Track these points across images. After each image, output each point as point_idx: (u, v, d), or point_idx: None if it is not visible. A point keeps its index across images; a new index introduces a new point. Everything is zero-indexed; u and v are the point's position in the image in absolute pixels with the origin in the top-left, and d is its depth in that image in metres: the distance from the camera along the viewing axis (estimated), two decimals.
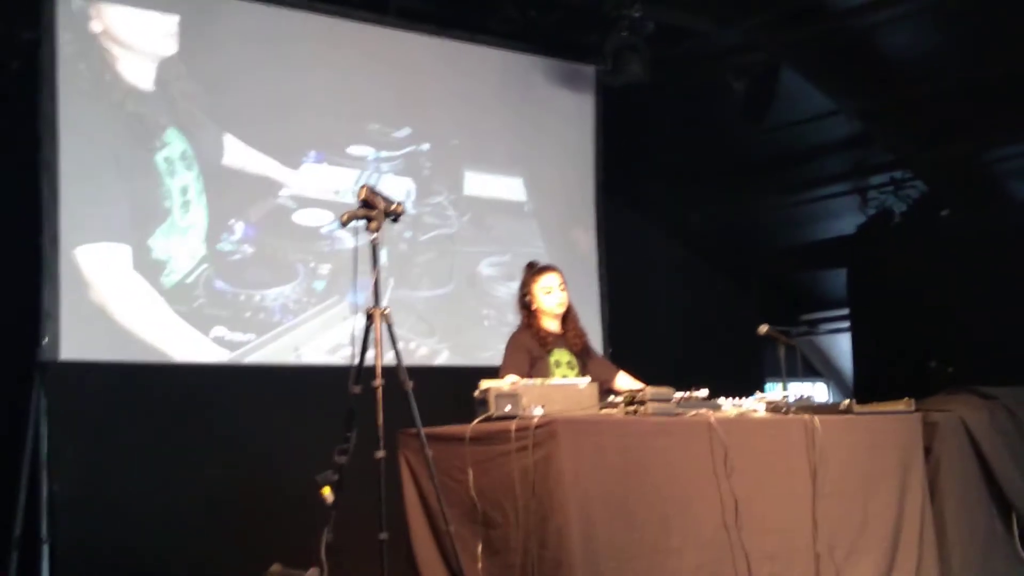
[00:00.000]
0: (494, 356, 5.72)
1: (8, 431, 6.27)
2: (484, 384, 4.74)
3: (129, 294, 6.68)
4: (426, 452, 4.69)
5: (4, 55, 6.62)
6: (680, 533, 4.69)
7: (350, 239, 4.96)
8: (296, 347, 7.28)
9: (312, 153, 7.50)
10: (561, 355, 5.60)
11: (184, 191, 6.94)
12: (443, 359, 7.89)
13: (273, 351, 7.18)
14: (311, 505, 4.75)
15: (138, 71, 6.87)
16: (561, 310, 5.65)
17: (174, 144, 6.96)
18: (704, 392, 5.07)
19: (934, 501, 5.78)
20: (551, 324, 5.62)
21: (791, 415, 5.29)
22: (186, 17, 7.05)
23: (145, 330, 6.72)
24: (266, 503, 6.51)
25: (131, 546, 6.27)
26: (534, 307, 5.60)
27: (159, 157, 6.89)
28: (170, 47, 6.99)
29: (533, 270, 5.68)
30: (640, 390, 4.98)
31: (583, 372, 5.54)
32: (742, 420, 5.13)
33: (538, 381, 4.90)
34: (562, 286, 5.64)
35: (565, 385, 4.89)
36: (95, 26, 6.73)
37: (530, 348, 5.51)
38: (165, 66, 6.97)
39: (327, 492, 4.72)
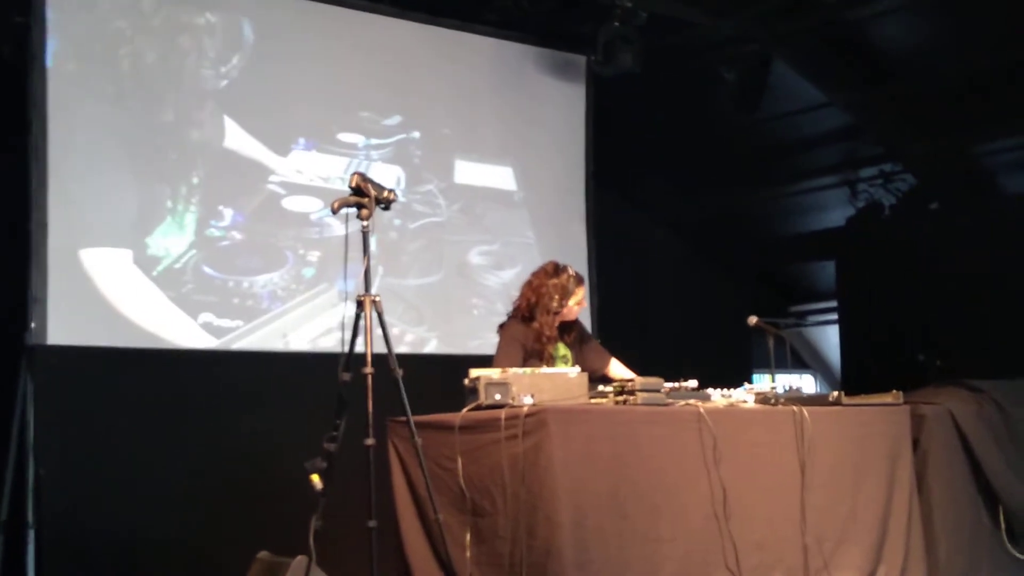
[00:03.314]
0: (483, 344, 5.72)
1: None
2: (474, 372, 4.75)
3: (117, 279, 6.65)
4: (415, 440, 4.70)
5: None
6: (669, 522, 4.71)
7: (339, 226, 4.96)
8: (284, 334, 7.26)
9: (302, 140, 7.47)
10: (556, 349, 5.61)
11: (179, 179, 6.92)
12: (432, 347, 7.88)
13: (261, 337, 7.16)
14: (300, 492, 4.75)
15: (129, 58, 6.82)
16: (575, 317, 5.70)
17: (166, 131, 6.93)
18: (693, 383, 5.10)
19: (921, 493, 5.81)
20: (555, 324, 5.60)
21: (780, 406, 5.31)
22: (178, 4, 7.01)
23: (133, 315, 6.68)
24: (254, 490, 6.50)
25: (117, 531, 6.25)
26: (556, 310, 5.55)
27: (151, 144, 6.86)
28: (161, 35, 6.94)
29: (574, 280, 5.60)
30: (630, 380, 5.00)
31: (577, 364, 5.54)
32: (731, 411, 5.16)
33: (528, 370, 4.91)
34: None
35: (555, 374, 4.91)
36: (85, 12, 6.68)
37: (524, 342, 5.49)
38: (156, 53, 6.92)
39: (316, 479, 4.72)
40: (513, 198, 8.50)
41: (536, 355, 5.48)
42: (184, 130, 7.00)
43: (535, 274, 5.67)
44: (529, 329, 5.53)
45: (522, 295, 5.64)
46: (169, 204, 6.88)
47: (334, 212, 4.81)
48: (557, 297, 5.52)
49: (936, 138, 9.29)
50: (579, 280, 5.64)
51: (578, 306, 5.62)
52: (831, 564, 5.21)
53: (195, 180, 6.98)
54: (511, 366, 5.19)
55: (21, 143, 6.43)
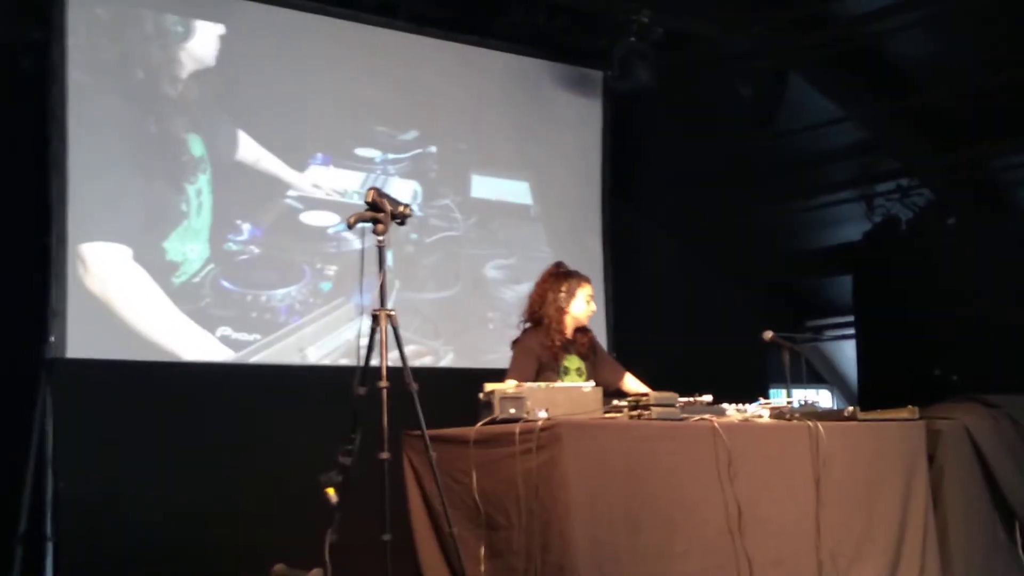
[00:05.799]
0: (499, 359, 5.73)
1: (14, 428, 6.28)
2: (489, 387, 4.75)
3: (136, 293, 6.69)
4: (430, 454, 4.70)
5: (14, 55, 6.62)
6: (684, 538, 4.70)
7: (356, 240, 4.98)
8: (301, 348, 7.29)
9: (319, 155, 7.51)
10: (571, 361, 5.61)
11: (198, 193, 6.97)
12: (448, 361, 7.90)
13: (278, 351, 7.19)
14: (315, 505, 4.76)
15: (147, 72, 6.88)
16: (588, 320, 5.70)
17: (185, 144, 6.98)
18: (708, 397, 5.09)
19: (937, 509, 5.78)
20: (567, 330, 5.62)
21: (795, 421, 5.29)
22: (196, 18, 7.08)
23: (151, 329, 6.72)
24: (270, 503, 6.53)
25: (135, 544, 6.26)
26: (565, 309, 5.60)
27: (168, 157, 6.90)
28: (180, 48, 7.01)
29: (577, 276, 5.67)
30: (644, 395, 5.00)
31: (591, 378, 5.55)
32: (746, 426, 5.14)
33: (543, 384, 4.91)
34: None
35: (570, 388, 4.91)
36: (105, 26, 6.74)
37: (539, 353, 5.51)
38: (174, 67, 6.98)
39: (331, 493, 4.73)
40: (529, 212, 8.52)
41: (549, 358, 5.50)
42: (203, 144, 7.03)
43: (540, 276, 5.75)
44: (541, 332, 5.56)
45: (530, 300, 5.70)
46: (189, 219, 6.92)
47: (350, 227, 4.85)
48: (563, 294, 5.58)
49: (953, 152, 9.28)
50: (583, 277, 5.70)
51: (587, 305, 5.64)
52: None
53: (214, 195, 7.02)
54: (524, 376, 5.22)
55: (41, 158, 6.48)
